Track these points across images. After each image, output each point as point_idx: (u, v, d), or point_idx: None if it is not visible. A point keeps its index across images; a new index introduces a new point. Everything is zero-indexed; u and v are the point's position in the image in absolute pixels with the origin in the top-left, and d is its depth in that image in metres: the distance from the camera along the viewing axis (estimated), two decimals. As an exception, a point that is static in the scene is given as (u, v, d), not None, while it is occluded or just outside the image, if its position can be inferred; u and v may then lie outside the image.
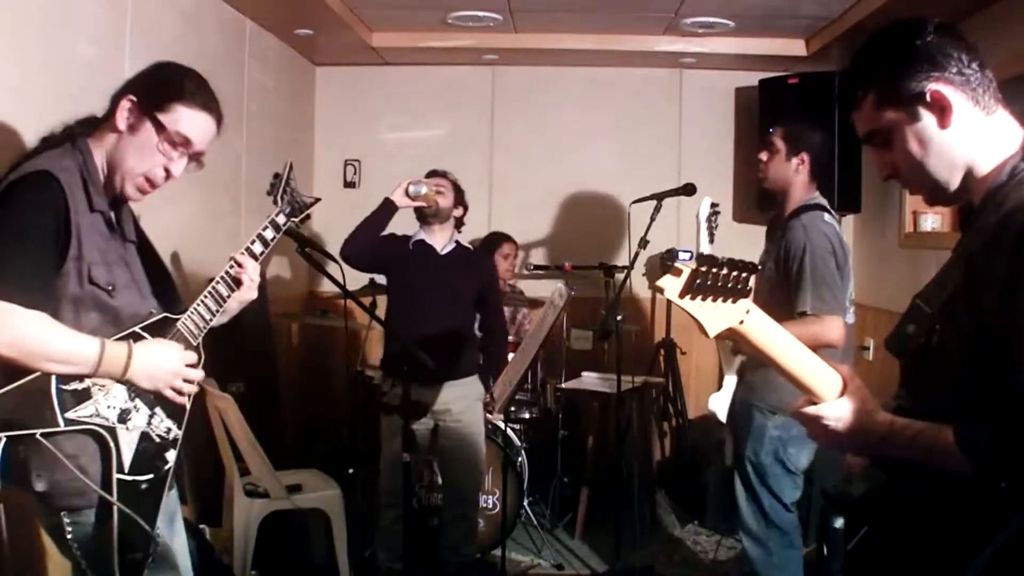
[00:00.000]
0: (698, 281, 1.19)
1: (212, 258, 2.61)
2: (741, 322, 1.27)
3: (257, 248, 2.02)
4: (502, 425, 3.72)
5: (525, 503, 4.16)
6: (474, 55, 4.87)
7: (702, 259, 1.20)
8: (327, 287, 2.89)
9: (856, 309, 3.25)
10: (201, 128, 1.78)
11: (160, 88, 1.75)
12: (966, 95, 1.32)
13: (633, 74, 5.06)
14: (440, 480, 3.71)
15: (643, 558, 3.92)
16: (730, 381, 3.31)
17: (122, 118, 1.72)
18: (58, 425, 1.61)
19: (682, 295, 1.21)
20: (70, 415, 1.62)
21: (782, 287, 2.87)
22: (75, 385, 1.63)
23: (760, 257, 3.13)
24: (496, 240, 4.62)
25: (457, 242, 3.56)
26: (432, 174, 3.56)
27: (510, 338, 4.34)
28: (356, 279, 3.87)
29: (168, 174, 1.78)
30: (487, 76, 5.15)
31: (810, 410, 1.34)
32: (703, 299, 1.22)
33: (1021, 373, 1.15)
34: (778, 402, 2.88)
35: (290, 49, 4.67)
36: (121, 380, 1.68)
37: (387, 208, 3.46)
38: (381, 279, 4.02)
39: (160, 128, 1.73)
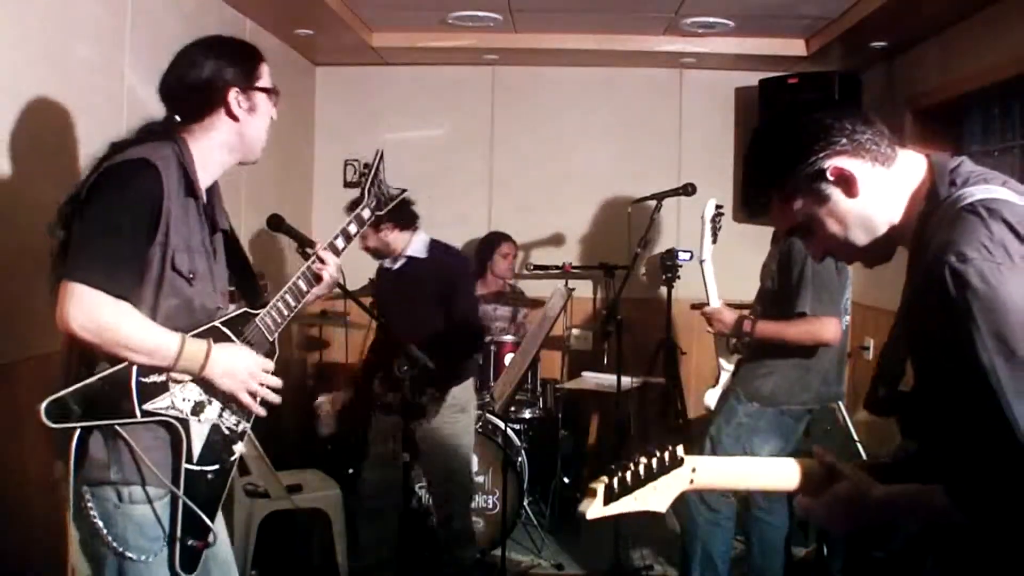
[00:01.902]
0: (617, 487, 1.21)
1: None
2: (691, 481, 1.28)
3: (340, 243, 2.13)
4: (502, 425, 3.71)
5: (525, 503, 4.16)
6: (474, 55, 4.87)
7: (611, 470, 1.21)
8: (327, 287, 2.90)
9: (853, 311, 3.27)
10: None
11: (248, 64, 1.88)
12: (863, 158, 1.32)
13: (633, 74, 5.06)
14: (424, 482, 3.65)
15: (643, 558, 3.92)
16: (725, 376, 3.36)
17: (238, 107, 1.83)
18: (135, 416, 1.65)
19: (607, 503, 1.22)
20: (147, 407, 1.66)
21: (783, 290, 2.94)
22: (154, 378, 1.67)
23: (765, 261, 3.18)
24: (496, 240, 4.62)
25: (409, 256, 3.34)
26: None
27: (509, 338, 4.35)
28: (356, 279, 3.88)
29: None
30: (487, 76, 5.14)
31: (811, 508, 1.34)
32: (634, 491, 1.23)
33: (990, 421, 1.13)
34: (755, 392, 3.02)
35: (290, 49, 4.67)
36: (197, 377, 1.72)
37: None
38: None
39: (266, 92, 1.91)
